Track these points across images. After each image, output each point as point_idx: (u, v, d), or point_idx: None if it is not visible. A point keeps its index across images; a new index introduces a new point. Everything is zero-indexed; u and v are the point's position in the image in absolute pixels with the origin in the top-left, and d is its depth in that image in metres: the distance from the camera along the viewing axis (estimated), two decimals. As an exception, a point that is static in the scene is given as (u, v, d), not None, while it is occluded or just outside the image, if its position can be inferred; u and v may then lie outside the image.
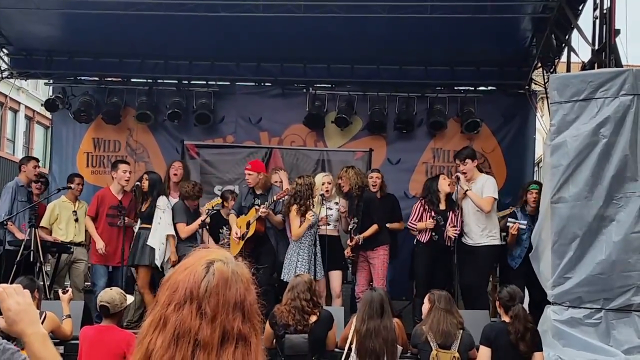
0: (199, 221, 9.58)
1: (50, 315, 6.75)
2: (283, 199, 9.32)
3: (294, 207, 8.95)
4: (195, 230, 9.65)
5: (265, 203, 9.09)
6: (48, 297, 8.90)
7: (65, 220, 10.26)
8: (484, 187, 8.97)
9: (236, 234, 9.22)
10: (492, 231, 8.96)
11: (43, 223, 10.14)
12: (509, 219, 9.18)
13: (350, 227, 9.10)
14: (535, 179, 12.18)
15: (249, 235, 9.11)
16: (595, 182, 7.32)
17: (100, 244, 9.51)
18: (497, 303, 6.68)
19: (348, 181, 9.32)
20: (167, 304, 1.92)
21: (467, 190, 8.89)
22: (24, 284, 2.38)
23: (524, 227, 8.97)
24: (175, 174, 10.31)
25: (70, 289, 6.70)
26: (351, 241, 9.08)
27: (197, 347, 1.87)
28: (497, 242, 9.03)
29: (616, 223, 7.25)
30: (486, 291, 9.54)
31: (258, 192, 9.38)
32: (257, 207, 9.05)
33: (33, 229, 9.15)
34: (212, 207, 10.10)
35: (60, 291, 6.82)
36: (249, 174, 9.44)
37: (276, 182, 10.06)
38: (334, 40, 10.98)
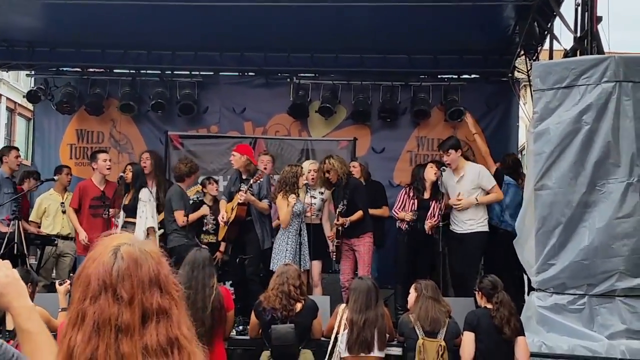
0: (199, 214, 9.58)
1: (38, 309, 6.70)
2: (262, 183, 9.33)
3: (280, 194, 8.97)
4: (193, 221, 9.59)
5: (243, 187, 9.08)
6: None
7: (53, 212, 10.24)
8: (482, 179, 8.98)
9: (222, 217, 9.21)
10: (480, 218, 9.00)
11: (32, 217, 10.12)
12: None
13: (339, 209, 9.09)
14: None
15: (231, 219, 9.12)
16: (578, 169, 7.36)
17: (82, 235, 9.46)
18: (479, 293, 6.70)
19: (336, 172, 9.32)
20: (82, 299, 1.92)
21: (477, 202, 8.90)
22: (20, 275, 2.39)
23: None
24: (144, 166, 10.20)
25: (68, 281, 6.68)
26: (337, 220, 9.08)
27: (119, 332, 1.87)
28: (486, 228, 9.07)
29: (599, 209, 7.29)
30: (477, 278, 9.58)
31: (244, 176, 9.37)
32: (240, 191, 9.06)
33: (17, 221, 9.10)
34: (197, 198, 10.13)
35: (57, 283, 6.79)
36: (233, 155, 9.48)
37: (265, 168, 10.04)
38: (317, 30, 10.95)
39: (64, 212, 10.20)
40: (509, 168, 10.03)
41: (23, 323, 2.37)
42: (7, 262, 2.41)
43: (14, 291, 2.38)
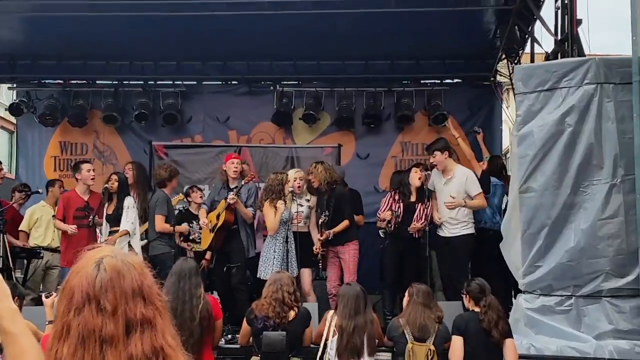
0: (181, 230, 9.60)
1: (26, 322, 6.66)
2: (251, 191, 9.32)
3: (267, 202, 8.97)
4: (173, 232, 9.58)
5: (234, 190, 9.10)
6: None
7: (45, 224, 10.20)
8: (468, 184, 8.97)
9: (205, 223, 9.19)
10: (466, 221, 9.02)
11: (22, 227, 10.08)
12: None
13: (320, 220, 9.11)
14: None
15: (218, 225, 9.10)
16: (562, 171, 7.40)
17: (71, 228, 9.34)
18: (467, 297, 6.72)
19: (317, 177, 9.34)
20: (67, 312, 1.92)
21: (465, 204, 8.91)
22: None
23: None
24: (127, 176, 10.09)
25: (54, 293, 6.65)
26: (321, 235, 9.09)
27: (104, 343, 1.87)
28: (472, 230, 9.10)
29: (584, 211, 7.33)
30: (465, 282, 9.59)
31: (232, 185, 9.36)
32: (230, 195, 9.06)
33: (1, 234, 9.04)
34: (183, 207, 10.11)
35: (43, 296, 6.76)
36: (238, 163, 9.50)
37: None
38: (299, 37, 10.98)
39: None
40: (495, 170, 10.07)
41: (7, 325, 2.36)
42: None
43: None
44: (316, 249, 9.16)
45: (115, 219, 9.18)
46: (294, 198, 9.24)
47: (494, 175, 9.87)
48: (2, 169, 10.60)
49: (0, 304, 2.36)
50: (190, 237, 9.99)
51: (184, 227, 9.84)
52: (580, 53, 8.11)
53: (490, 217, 9.55)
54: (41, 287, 10.17)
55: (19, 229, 10.21)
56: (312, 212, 9.53)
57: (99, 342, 1.87)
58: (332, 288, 9.13)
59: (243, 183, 9.22)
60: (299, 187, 9.32)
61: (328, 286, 9.33)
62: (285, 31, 10.64)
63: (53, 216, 10.15)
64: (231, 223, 9.20)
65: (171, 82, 12.74)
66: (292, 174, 9.54)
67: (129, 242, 9.00)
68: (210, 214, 9.38)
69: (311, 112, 12.10)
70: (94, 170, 9.95)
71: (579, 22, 8.32)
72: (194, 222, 9.95)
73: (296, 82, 12.77)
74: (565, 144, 7.39)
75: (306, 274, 9.26)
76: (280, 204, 8.85)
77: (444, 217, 9.07)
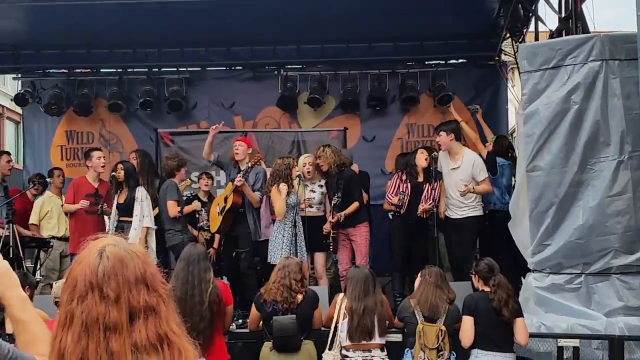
0: (192, 208, 9.66)
1: (37, 311, 6.70)
2: (258, 175, 9.35)
3: (274, 187, 8.97)
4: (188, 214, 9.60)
5: (241, 172, 9.15)
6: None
7: (56, 214, 10.22)
8: (475, 169, 8.94)
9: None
10: (474, 202, 9.02)
11: (32, 220, 10.11)
12: None
13: (333, 202, 9.11)
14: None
15: (227, 207, 9.13)
16: (569, 149, 7.39)
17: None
18: (476, 277, 6.72)
19: (326, 160, 9.35)
20: (70, 301, 1.92)
21: (473, 189, 8.89)
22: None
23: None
24: None
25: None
26: (332, 217, 9.10)
27: (107, 331, 1.88)
28: (480, 212, 9.11)
29: (591, 188, 7.32)
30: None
31: (242, 167, 9.39)
32: (237, 178, 9.10)
33: (11, 224, 9.07)
34: (191, 194, 10.13)
35: (54, 284, 6.79)
36: (240, 145, 9.53)
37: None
38: (302, 21, 10.94)
39: (66, 213, 10.19)
40: (501, 151, 10.04)
41: (17, 313, 2.39)
42: None
43: (7, 282, 2.40)
44: (326, 228, 9.17)
45: (126, 209, 9.17)
46: (306, 183, 9.24)
47: (501, 155, 9.85)
48: (11, 160, 10.64)
49: (10, 293, 2.39)
50: (199, 225, 10.01)
51: (195, 204, 9.83)
52: (585, 30, 8.08)
53: (500, 197, 9.54)
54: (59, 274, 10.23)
55: (30, 222, 10.23)
56: (325, 197, 9.51)
57: (103, 330, 1.88)
58: (344, 271, 9.13)
59: (249, 165, 9.23)
60: (308, 172, 9.31)
61: (340, 269, 9.37)
62: (288, 15, 10.62)
63: (62, 205, 10.19)
64: (239, 205, 9.22)
65: (175, 69, 12.72)
66: (302, 159, 9.54)
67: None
68: (218, 196, 9.41)
69: (316, 95, 12.08)
70: (104, 157, 10.01)
71: (583, -1, 8.29)
72: (203, 209, 9.98)
73: (300, 66, 12.74)
74: (572, 121, 7.38)
75: (319, 258, 9.28)
76: (282, 185, 8.83)
77: (452, 199, 9.07)
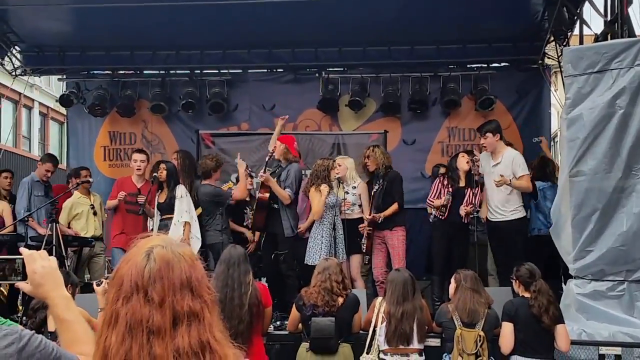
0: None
1: (79, 309, 6.79)
2: (289, 172, 9.41)
3: (313, 187, 9.01)
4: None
5: (263, 168, 9.29)
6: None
7: (85, 216, 10.31)
8: (515, 166, 8.89)
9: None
10: (516, 205, 8.94)
11: (61, 221, 10.20)
12: None
13: (374, 189, 9.15)
14: (552, 153, 12.09)
15: (254, 204, 9.34)
16: (614, 154, 7.28)
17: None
18: (517, 282, 6.65)
19: (375, 160, 9.37)
20: (115, 300, 1.92)
21: (510, 182, 8.78)
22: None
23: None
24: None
25: (104, 281, 6.75)
26: (369, 215, 9.09)
27: (151, 334, 1.88)
28: (522, 215, 9.01)
29: (636, 194, 7.20)
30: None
31: (283, 165, 9.55)
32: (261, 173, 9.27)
33: (54, 223, 9.19)
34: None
35: (94, 283, 6.88)
36: (278, 145, 9.67)
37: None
38: (344, 24, 10.93)
39: (94, 214, 10.30)
40: (536, 172, 9.84)
41: (61, 313, 2.41)
42: (44, 252, 2.45)
43: (52, 281, 2.42)
44: (362, 227, 9.15)
45: (167, 208, 9.26)
46: (340, 183, 9.24)
47: (538, 177, 9.68)
48: (51, 170, 10.66)
49: (54, 292, 2.41)
50: (245, 224, 10.07)
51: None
52: (631, 34, 7.96)
53: (544, 222, 9.34)
54: (87, 275, 10.33)
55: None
56: (360, 199, 9.49)
57: (146, 333, 1.88)
58: (379, 275, 9.14)
59: (267, 159, 9.43)
60: (337, 173, 9.27)
61: (375, 273, 9.34)
62: (329, 18, 10.62)
63: (91, 206, 10.29)
64: (265, 201, 9.25)
65: (217, 71, 12.80)
66: (337, 160, 9.57)
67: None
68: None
69: (357, 98, 12.07)
70: (141, 161, 10.09)
71: (629, 2, 8.15)
72: (247, 208, 10.03)
73: (342, 69, 12.73)
74: (616, 126, 7.27)
75: (355, 261, 9.26)
76: (324, 187, 8.86)
77: (494, 202, 8.98)
